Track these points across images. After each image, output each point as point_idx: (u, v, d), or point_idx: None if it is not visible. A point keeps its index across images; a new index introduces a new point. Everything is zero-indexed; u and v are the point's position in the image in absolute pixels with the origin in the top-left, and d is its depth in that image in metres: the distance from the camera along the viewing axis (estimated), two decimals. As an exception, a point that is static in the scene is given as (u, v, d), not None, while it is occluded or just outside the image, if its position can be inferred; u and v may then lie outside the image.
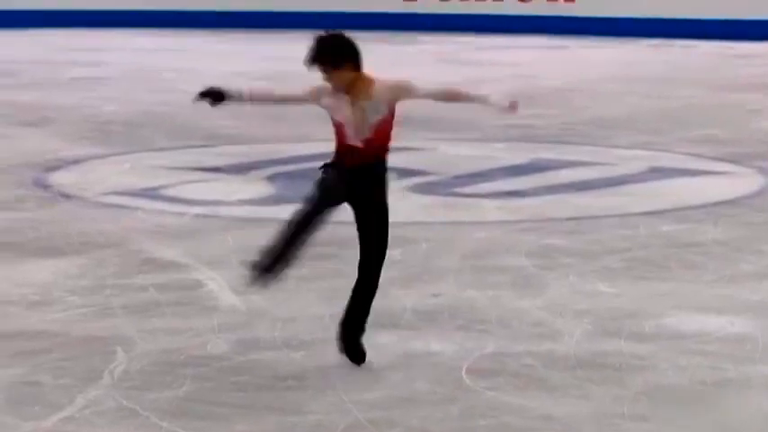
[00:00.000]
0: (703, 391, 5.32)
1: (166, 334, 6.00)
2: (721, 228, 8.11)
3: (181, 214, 8.54)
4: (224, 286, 6.79)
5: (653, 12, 20.03)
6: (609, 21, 20.08)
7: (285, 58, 17.73)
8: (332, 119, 5.46)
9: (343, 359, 5.60)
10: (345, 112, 5.37)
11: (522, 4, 20.87)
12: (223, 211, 8.70)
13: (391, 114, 5.40)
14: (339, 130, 5.45)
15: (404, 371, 5.51)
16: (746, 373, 5.50)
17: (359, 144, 5.41)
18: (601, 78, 15.87)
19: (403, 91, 5.39)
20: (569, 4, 20.70)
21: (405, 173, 9.81)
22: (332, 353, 5.71)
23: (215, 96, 5.53)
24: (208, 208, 8.76)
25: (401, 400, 5.21)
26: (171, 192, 9.29)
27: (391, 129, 5.43)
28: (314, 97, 5.47)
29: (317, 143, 11.26)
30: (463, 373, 5.45)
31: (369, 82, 5.39)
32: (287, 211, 8.63)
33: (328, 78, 5.37)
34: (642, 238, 7.91)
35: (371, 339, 5.91)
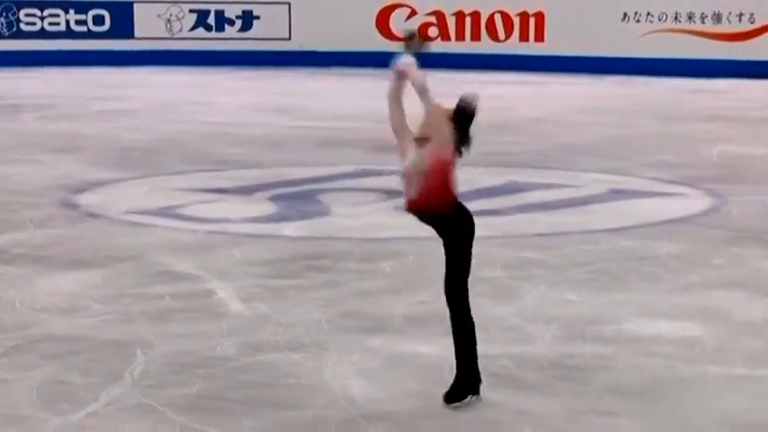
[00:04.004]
0: (659, 388, 5.30)
1: (180, 338, 5.97)
2: (674, 243, 8.11)
3: (193, 231, 8.51)
4: (232, 295, 6.77)
5: (616, 52, 20.07)
6: (576, 59, 20.12)
7: (291, 93, 17.80)
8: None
9: (338, 360, 5.58)
10: None
11: (498, 43, 20.91)
12: (231, 228, 8.67)
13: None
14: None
15: (393, 371, 5.49)
16: (697, 371, 5.49)
17: None
18: (569, 110, 15.88)
19: None
20: (539, 44, 20.73)
21: (393, 194, 9.79)
22: (328, 355, 5.69)
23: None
24: (217, 225, 8.73)
25: (391, 397, 5.19)
26: (185, 211, 9.26)
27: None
28: None
29: (316, 167, 11.27)
30: (446, 372, 5.43)
31: None
32: (287, 228, 8.69)
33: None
34: (604, 252, 7.90)
35: (364, 342, 5.90)
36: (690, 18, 19.89)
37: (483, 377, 5.31)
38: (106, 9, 22.03)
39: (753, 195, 9.82)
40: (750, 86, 18.15)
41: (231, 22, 22.26)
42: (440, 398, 5.13)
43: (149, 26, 22.01)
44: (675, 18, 19.93)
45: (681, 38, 19.88)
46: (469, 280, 7.18)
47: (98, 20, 22.04)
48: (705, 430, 4.90)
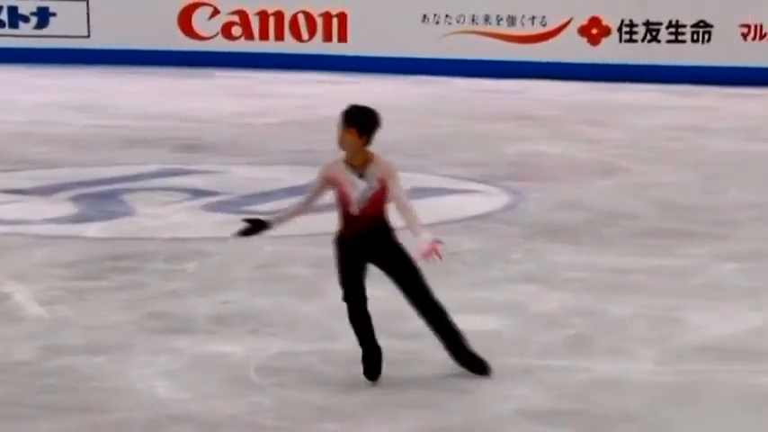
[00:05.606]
0: (461, 380, 5.41)
1: (-24, 343, 5.74)
2: (474, 239, 8.28)
3: (-10, 233, 8.19)
4: (30, 298, 6.55)
5: (416, 52, 20.39)
6: (378, 59, 20.33)
7: (92, 91, 17.34)
8: (338, 191, 5.29)
9: (143, 361, 5.47)
10: (350, 184, 5.25)
11: (301, 43, 20.94)
12: (30, 229, 8.39)
13: (382, 189, 5.29)
14: (344, 200, 5.28)
15: (199, 371, 5.42)
16: (497, 364, 5.62)
17: (357, 213, 5.30)
18: (371, 110, 15.99)
19: (390, 177, 5.32)
20: (342, 44, 20.87)
21: (198, 193, 9.68)
22: (133, 356, 5.57)
23: (257, 226, 5.30)
24: (15, 227, 8.43)
25: (196, 397, 5.12)
26: (-20, 212, 8.91)
27: (384, 201, 5.34)
28: (327, 180, 5.33)
29: (119, 167, 11.02)
30: (252, 371, 5.40)
31: (370, 156, 5.30)
32: (90, 229, 8.46)
33: (340, 135, 5.29)
34: (407, 248, 7.98)
35: (168, 343, 5.81)
36: (486, 20, 20.39)
37: (288, 374, 5.31)
38: None
39: (548, 192, 10.14)
40: (542, 87, 18.72)
41: (26, 19, 21.55)
42: (245, 396, 5.10)
43: (-61, 21, 21.08)
44: (473, 20, 20.39)
45: (478, 39, 20.35)
46: (274, 277, 7.18)
47: None
48: (504, 420, 5.02)
